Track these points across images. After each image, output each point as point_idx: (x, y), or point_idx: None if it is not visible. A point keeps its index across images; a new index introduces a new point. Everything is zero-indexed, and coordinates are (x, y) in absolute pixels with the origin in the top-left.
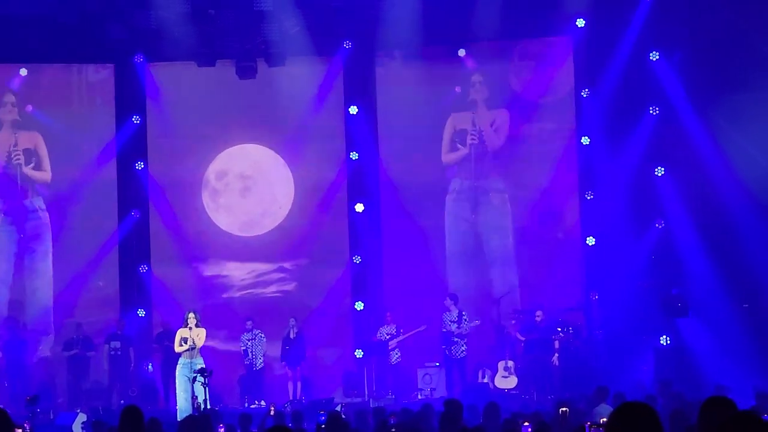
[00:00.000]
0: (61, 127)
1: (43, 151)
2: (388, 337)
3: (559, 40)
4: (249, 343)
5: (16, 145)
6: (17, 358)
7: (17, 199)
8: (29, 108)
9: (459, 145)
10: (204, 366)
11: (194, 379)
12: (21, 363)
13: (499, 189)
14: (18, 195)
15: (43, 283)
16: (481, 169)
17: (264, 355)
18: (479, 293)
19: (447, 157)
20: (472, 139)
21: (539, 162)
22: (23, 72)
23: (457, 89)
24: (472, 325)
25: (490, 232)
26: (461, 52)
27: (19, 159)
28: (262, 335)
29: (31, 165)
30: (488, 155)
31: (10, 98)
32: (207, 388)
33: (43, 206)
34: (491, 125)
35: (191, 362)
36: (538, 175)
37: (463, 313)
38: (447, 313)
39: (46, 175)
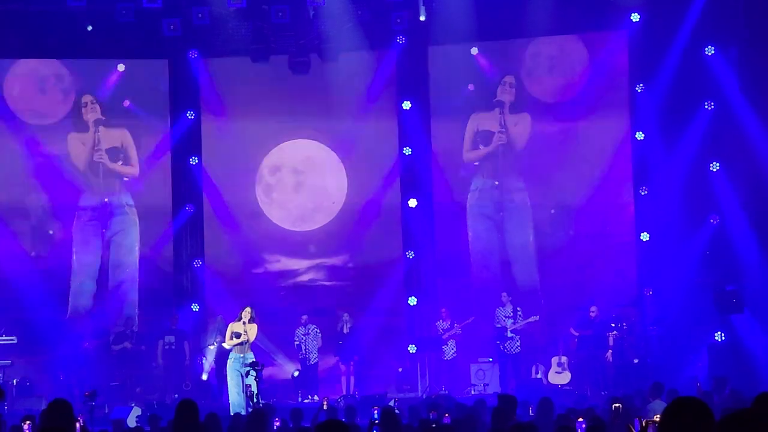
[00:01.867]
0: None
1: (131, 146)
2: (442, 332)
3: (614, 34)
4: (303, 338)
5: (99, 143)
6: (100, 348)
7: (101, 195)
8: (126, 102)
9: (480, 145)
10: (255, 360)
11: (247, 373)
12: (100, 354)
13: (520, 188)
14: (102, 192)
15: (128, 276)
16: (506, 168)
17: (318, 350)
18: (505, 290)
19: (468, 155)
20: (500, 139)
21: (594, 157)
22: (121, 67)
23: (470, 87)
24: (530, 320)
25: (514, 229)
26: (474, 51)
27: (101, 158)
28: (317, 330)
29: (119, 162)
30: (510, 154)
31: (88, 98)
32: (259, 382)
33: (131, 201)
34: (515, 126)
35: (243, 357)
36: (593, 169)
37: (518, 308)
38: (501, 308)
39: (134, 169)
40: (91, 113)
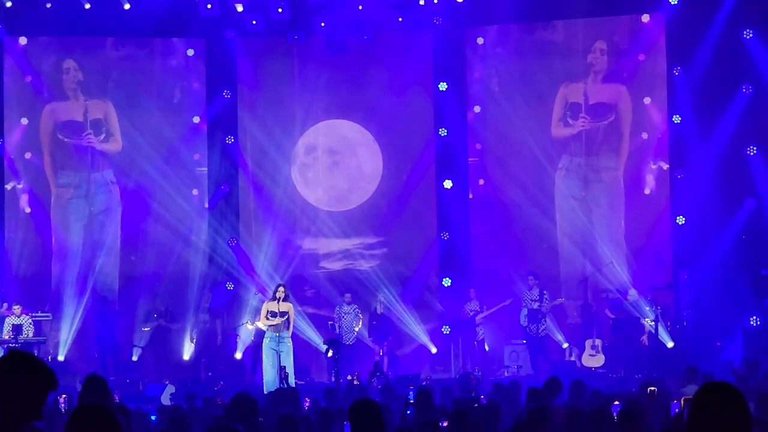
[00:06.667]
0: (148, 101)
1: (113, 121)
2: (472, 314)
3: (652, 17)
4: (343, 317)
5: (86, 113)
6: (101, 328)
7: (88, 172)
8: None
9: (570, 120)
10: (290, 342)
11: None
12: (102, 334)
13: (611, 167)
14: (88, 168)
15: (110, 259)
16: (592, 146)
17: (357, 331)
18: (585, 271)
19: (557, 131)
20: (584, 116)
21: (628, 141)
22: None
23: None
24: (555, 303)
25: (601, 210)
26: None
27: (89, 135)
28: (358, 310)
29: (101, 136)
30: (600, 131)
31: (71, 64)
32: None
33: (114, 179)
34: (604, 99)
35: (279, 336)
36: (631, 152)
37: (545, 291)
38: (527, 291)
39: (116, 145)
40: (74, 79)
